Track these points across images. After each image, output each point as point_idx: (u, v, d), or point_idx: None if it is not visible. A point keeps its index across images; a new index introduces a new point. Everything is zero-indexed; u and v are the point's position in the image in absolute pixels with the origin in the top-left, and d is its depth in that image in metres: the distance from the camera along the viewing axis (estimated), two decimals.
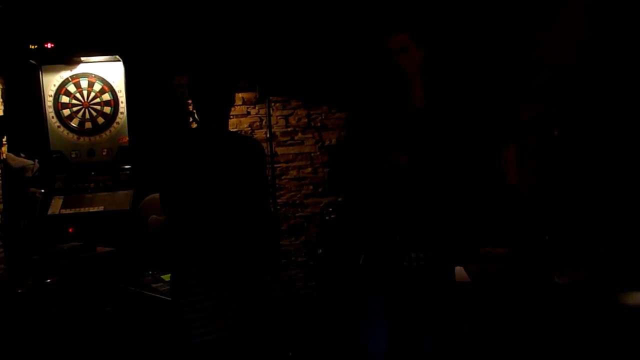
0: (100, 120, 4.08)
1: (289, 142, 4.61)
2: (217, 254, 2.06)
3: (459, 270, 3.05)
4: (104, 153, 4.07)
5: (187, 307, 2.03)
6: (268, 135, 4.50)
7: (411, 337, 2.36)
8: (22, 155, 3.96)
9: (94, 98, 4.07)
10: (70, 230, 3.75)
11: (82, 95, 4.06)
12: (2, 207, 3.88)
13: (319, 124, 4.60)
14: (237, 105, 4.52)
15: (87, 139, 4.07)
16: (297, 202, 4.63)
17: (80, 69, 4.05)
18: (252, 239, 2.16)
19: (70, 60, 3.99)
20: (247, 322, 2.09)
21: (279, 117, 4.57)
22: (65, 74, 4.04)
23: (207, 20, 4.32)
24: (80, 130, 4.06)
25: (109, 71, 4.07)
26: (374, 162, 2.27)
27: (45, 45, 3.87)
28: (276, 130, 4.57)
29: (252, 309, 2.11)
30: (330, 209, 4.09)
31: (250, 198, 2.15)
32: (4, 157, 3.88)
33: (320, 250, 3.97)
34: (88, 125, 4.07)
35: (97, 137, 4.07)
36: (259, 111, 4.54)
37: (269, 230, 2.25)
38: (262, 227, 2.20)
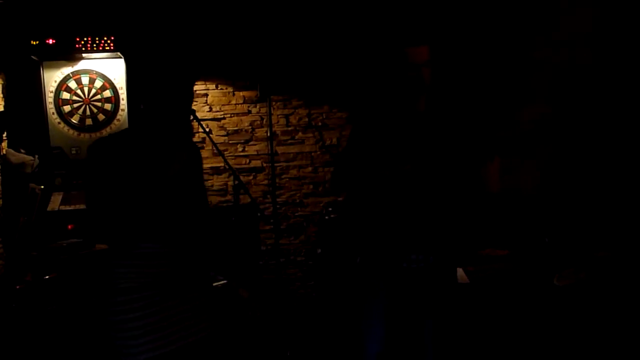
0: (101, 117, 4.07)
1: (290, 141, 4.60)
2: (154, 263, 1.88)
3: (459, 271, 3.05)
4: None
5: (127, 324, 1.83)
6: (269, 134, 4.50)
7: (410, 337, 2.36)
8: (22, 151, 3.96)
9: (94, 95, 4.06)
10: (69, 226, 3.74)
11: (83, 92, 4.05)
12: (1, 202, 3.87)
13: (319, 124, 4.60)
14: (238, 104, 4.51)
15: (87, 135, 4.07)
16: (297, 201, 4.63)
17: (81, 65, 4.05)
18: (193, 244, 1.97)
19: (71, 56, 3.99)
20: (202, 329, 1.92)
21: (279, 116, 4.57)
22: (67, 70, 4.03)
23: (210, 19, 4.31)
24: (80, 127, 4.06)
25: (110, 68, 4.06)
26: (377, 167, 2.27)
27: (47, 41, 3.86)
28: (277, 129, 4.57)
29: (205, 316, 1.94)
30: (330, 209, 4.08)
31: (187, 203, 1.97)
32: (4, 152, 3.87)
33: (320, 250, 3.96)
34: (88, 121, 4.07)
35: (98, 134, 4.07)
36: (259, 110, 4.54)
37: (207, 235, 2.07)
38: (201, 232, 2.02)
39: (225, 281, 3.06)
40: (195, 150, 2.07)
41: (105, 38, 3.90)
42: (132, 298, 1.84)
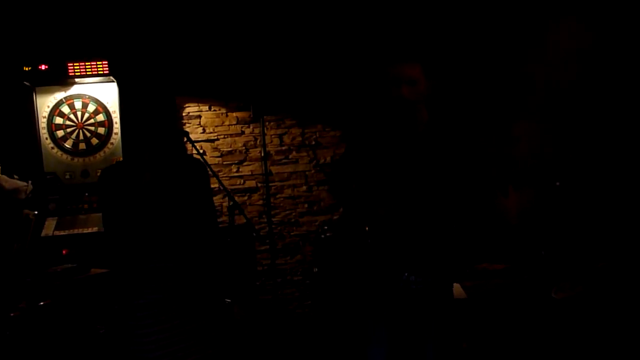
0: (95, 141, 4.07)
1: (284, 160, 4.61)
2: (166, 281, 1.98)
3: (456, 287, 3.04)
4: (98, 174, 4.04)
5: (137, 338, 1.95)
6: (262, 154, 4.50)
7: (411, 356, 2.34)
8: (15, 177, 3.94)
9: (88, 119, 4.06)
10: (64, 251, 3.71)
11: (76, 116, 4.05)
12: None
13: (313, 143, 4.61)
14: (232, 125, 4.53)
15: (81, 159, 4.06)
16: (292, 220, 4.62)
17: (74, 90, 4.05)
18: (201, 263, 2.06)
19: (64, 81, 3.99)
20: (202, 349, 2.00)
21: (273, 136, 4.58)
22: (59, 95, 4.04)
23: (202, 40, 4.34)
24: (74, 151, 4.05)
25: (103, 92, 4.07)
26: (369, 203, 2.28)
27: (39, 67, 3.87)
28: (270, 149, 4.57)
29: (206, 335, 2.02)
30: (326, 227, 4.07)
31: (196, 221, 2.07)
32: None
33: (317, 269, 3.95)
34: (82, 146, 4.06)
35: (91, 158, 4.06)
36: (253, 130, 4.55)
37: (217, 251, 2.18)
38: (210, 249, 2.11)
39: (229, 301, 3.06)
40: (200, 165, 2.16)
41: (97, 62, 3.91)
42: (146, 315, 1.94)
